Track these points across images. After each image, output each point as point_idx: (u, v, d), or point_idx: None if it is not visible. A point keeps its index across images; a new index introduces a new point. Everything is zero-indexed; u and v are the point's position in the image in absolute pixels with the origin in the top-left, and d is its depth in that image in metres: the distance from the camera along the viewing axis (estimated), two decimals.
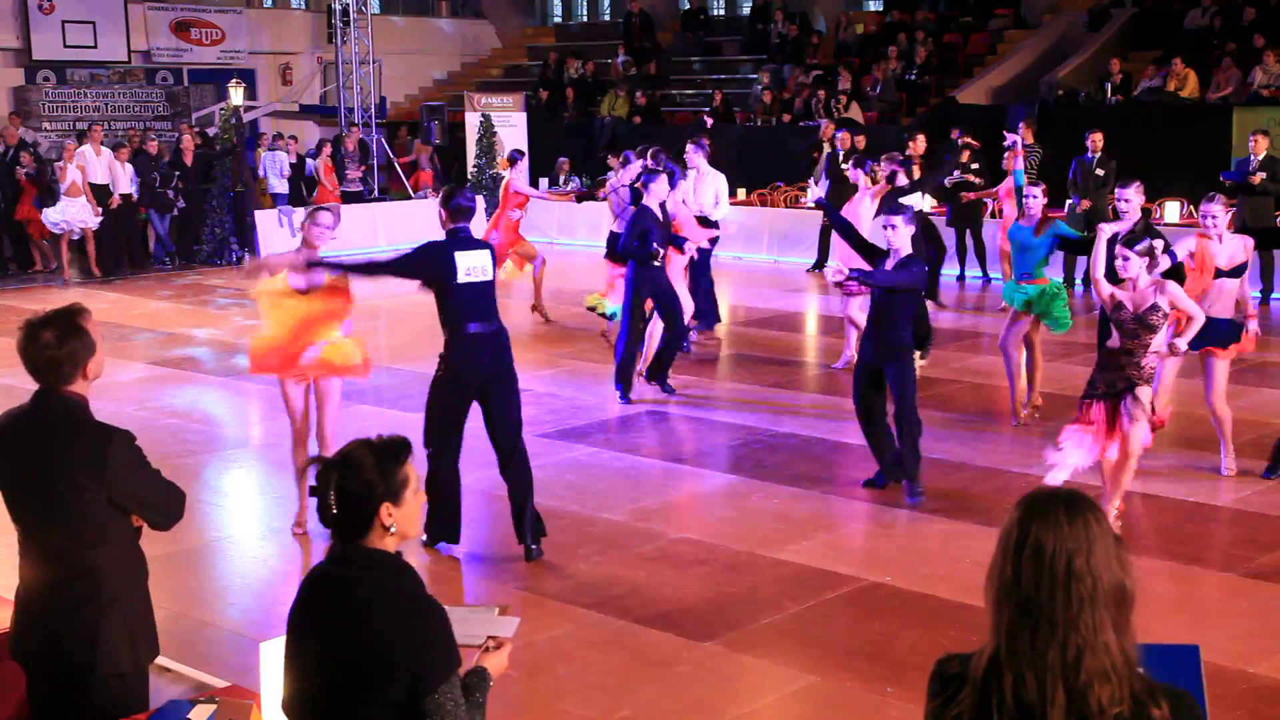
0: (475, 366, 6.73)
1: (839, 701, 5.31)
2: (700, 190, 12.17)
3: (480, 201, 20.76)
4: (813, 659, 5.65)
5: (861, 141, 16.79)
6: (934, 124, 18.48)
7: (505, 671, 3.10)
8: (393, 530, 2.87)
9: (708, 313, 12.34)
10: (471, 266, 6.63)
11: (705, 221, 11.91)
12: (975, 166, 14.92)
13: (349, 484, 2.82)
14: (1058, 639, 2.18)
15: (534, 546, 6.91)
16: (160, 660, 4.06)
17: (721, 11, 28.06)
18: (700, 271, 11.91)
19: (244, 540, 7.45)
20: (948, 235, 14.39)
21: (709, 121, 17.17)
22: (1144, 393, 6.89)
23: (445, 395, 6.84)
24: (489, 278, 6.70)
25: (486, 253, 6.74)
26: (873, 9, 25.51)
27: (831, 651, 5.72)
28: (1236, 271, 7.96)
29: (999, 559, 2.28)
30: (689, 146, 12.26)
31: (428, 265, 6.66)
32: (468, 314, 6.65)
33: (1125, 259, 6.88)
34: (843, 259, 9.73)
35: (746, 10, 26.04)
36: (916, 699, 5.21)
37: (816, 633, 5.93)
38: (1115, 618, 2.20)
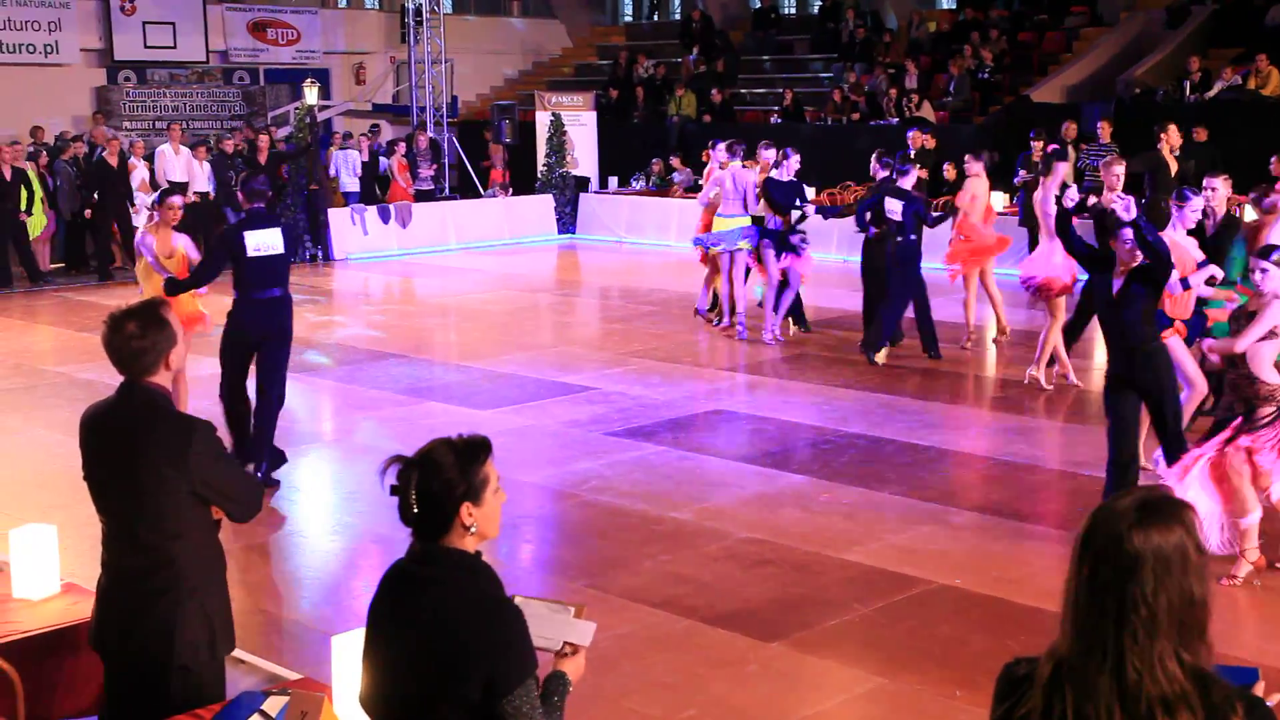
0: (257, 325, 8.02)
1: (907, 704, 5.27)
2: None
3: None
4: (880, 661, 5.62)
5: (932, 141, 16.67)
6: (1006, 124, 18.28)
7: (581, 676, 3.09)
8: (473, 530, 2.86)
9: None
10: (260, 243, 7.90)
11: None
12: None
13: (430, 483, 2.82)
14: (1108, 668, 2.10)
15: (264, 467, 8.03)
16: (235, 652, 4.12)
17: (792, 10, 27.96)
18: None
19: (316, 535, 7.55)
20: (1020, 235, 14.16)
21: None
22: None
23: (232, 348, 8.14)
24: (278, 251, 8.00)
25: (277, 230, 8.04)
26: (945, 7, 25.29)
27: (899, 654, 5.69)
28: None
29: (1072, 570, 2.18)
30: (771, 152, 12.71)
31: (228, 249, 7.99)
32: (254, 282, 7.94)
33: (1264, 271, 6.35)
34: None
35: (818, 9, 25.91)
36: (985, 703, 5.14)
37: (884, 635, 5.90)
38: (1182, 639, 2.11)
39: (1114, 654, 2.09)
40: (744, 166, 12.56)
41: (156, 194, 9.24)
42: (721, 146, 12.80)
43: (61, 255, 17.85)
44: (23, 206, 16.52)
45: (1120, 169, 9.77)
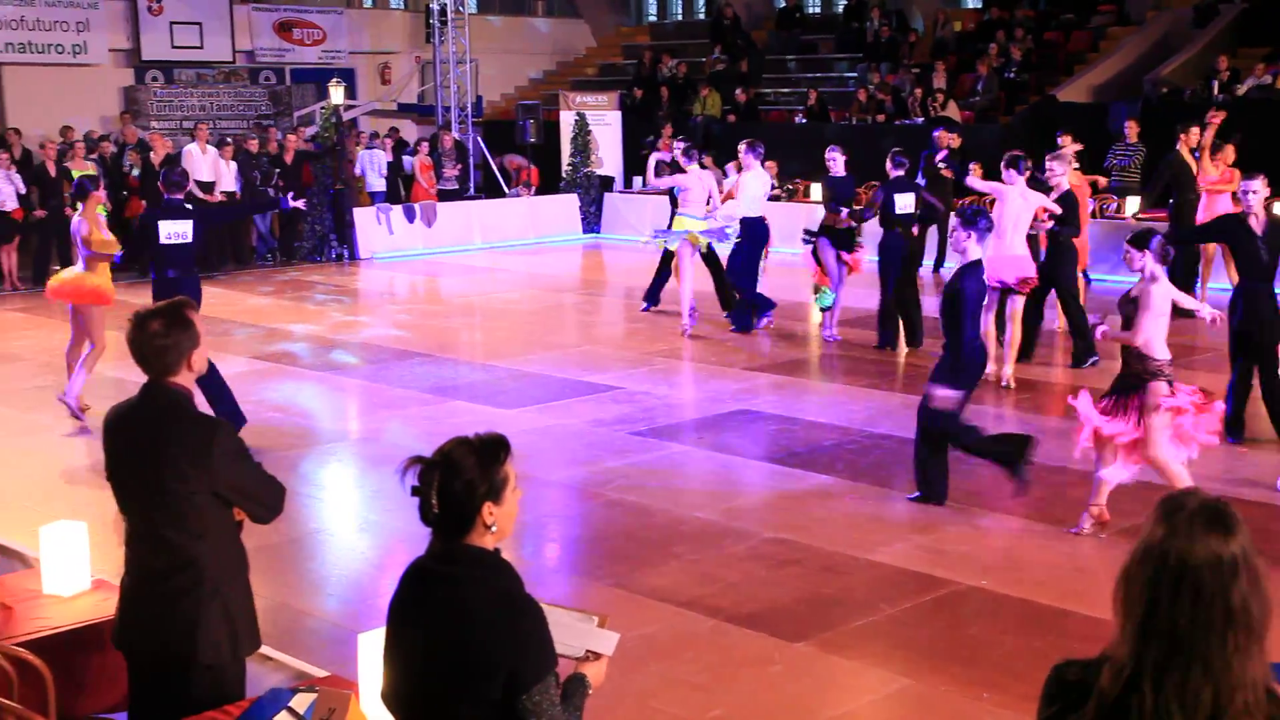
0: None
1: (934, 705, 5.25)
2: (748, 187, 12.86)
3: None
4: (907, 662, 5.60)
5: (957, 140, 16.58)
6: (1032, 123, 18.19)
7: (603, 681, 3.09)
8: (493, 529, 2.87)
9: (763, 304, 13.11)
10: (172, 231, 9.13)
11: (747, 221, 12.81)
12: (1076, 166, 14.56)
13: (451, 484, 2.82)
14: (1211, 681, 2.08)
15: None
16: (262, 649, 4.13)
17: (817, 9, 27.89)
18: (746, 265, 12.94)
19: (341, 533, 7.57)
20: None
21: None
22: (1156, 387, 6.78)
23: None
24: (188, 240, 9.20)
25: (189, 221, 9.22)
26: (971, 6, 25.18)
27: (926, 655, 5.66)
28: None
29: (1142, 580, 2.15)
30: (742, 146, 12.92)
31: (146, 234, 9.18)
32: (167, 264, 9.17)
33: (1131, 255, 6.91)
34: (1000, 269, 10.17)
35: (842, 8, 25.85)
36: (1013, 704, 5.14)
37: (911, 636, 5.88)
38: (1262, 646, 2.10)
39: (1219, 668, 2.08)
40: (702, 168, 13.10)
41: (76, 182, 9.94)
42: (679, 149, 13.24)
43: None
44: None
45: (1057, 165, 10.43)
